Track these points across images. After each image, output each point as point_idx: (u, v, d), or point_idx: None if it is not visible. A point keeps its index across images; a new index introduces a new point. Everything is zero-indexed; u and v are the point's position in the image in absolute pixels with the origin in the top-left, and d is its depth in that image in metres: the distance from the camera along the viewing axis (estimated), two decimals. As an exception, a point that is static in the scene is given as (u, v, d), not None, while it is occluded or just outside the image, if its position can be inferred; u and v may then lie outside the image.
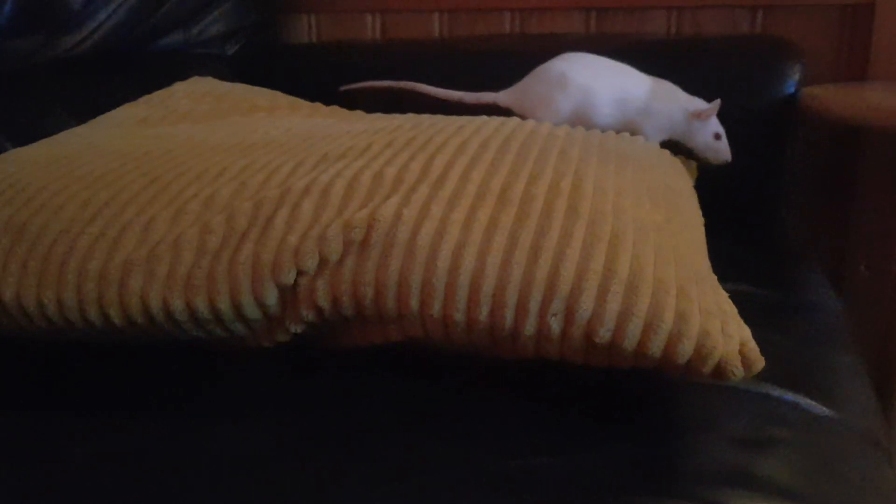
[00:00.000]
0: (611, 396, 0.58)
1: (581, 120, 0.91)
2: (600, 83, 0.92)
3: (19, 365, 0.65)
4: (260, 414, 0.58)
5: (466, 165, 0.63)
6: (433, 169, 0.63)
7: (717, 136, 0.92)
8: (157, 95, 0.96)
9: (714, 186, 0.86)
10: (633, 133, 0.90)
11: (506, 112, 0.93)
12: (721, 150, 0.93)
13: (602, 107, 0.92)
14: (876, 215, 1.20)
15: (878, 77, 1.14)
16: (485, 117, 0.79)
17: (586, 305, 0.52)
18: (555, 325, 0.53)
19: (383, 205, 0.58)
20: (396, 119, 0.80)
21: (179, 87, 0.98)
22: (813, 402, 0.61)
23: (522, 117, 0.85)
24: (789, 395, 0.61)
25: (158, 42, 1.11)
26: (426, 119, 0.78)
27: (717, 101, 0.90)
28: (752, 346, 0.51)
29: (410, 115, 0.82)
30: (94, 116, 0.92)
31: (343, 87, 1.02)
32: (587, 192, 0.60)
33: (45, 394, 0.62)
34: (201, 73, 1.11)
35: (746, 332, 0.52)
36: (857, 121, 1.06)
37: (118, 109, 0.91)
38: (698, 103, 0.92)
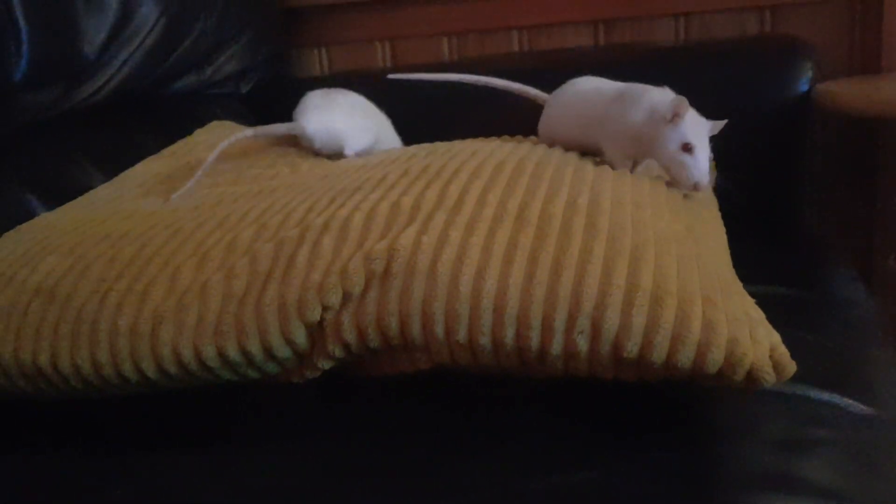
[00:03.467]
0: (644, 405, 0.58)
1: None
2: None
3: (54, 405, 0.66)
4: (294, 444, 0.58)
5: (482, 189, 0.63)
6: (449, 195, 0.63)
7: (687, 148, 0.69)
8: (179, 148, 0.97)
9: (735, 188, 0.86)
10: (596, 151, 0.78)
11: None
12: (689, 168, 0.69)
13: None
14: (901, 207, 1.19)
15: (892, 68, 1.13)
16: (498, 141, 0.80)
17: (612, 321, 0.52)
18: (582, 342, 0.53)
19: (402, 234, 0.59)
20: (411, 148, 0.81)
21: (200, 138, 1.00)
22: (851, 401, 0.60)
23: None
24: (826, 395, 0.60)
25: (174, 85, 1.13)
26: (440, 146, 0.79)
27: (682, 98, 0.69)
28: (783, 350, 0.51)
29: (425, 144, 0.83)
30: (115, 163, 0.93)
31: (391, 76, 1.01)
32: (605, 206, 0.60)
33: (79, 434, 0.63)
34: (217, 113, 1.12)
35: (776, 336, 0.52)
36: (872, 113, 1.05)
37: (141, 164, 0.92)
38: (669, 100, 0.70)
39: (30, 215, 0.82)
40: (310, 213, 0.65)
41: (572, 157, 0.72)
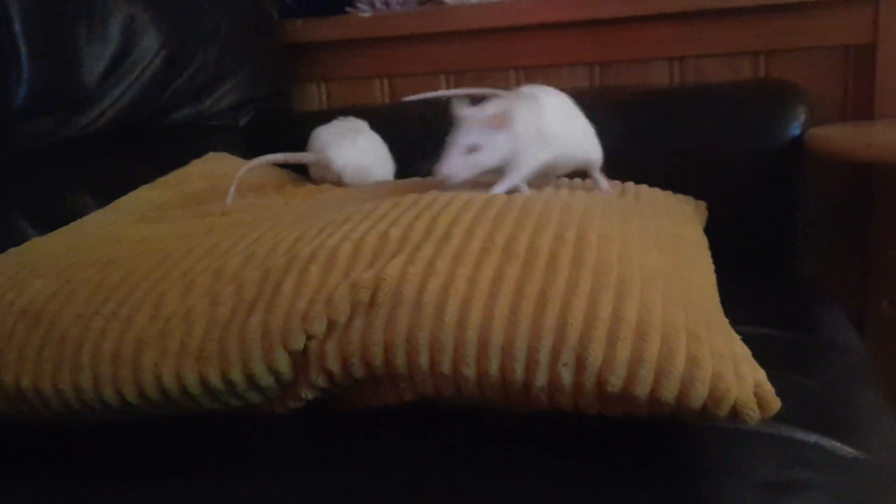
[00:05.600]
0: (630, 443, 0.57)
1: None
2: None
3: (40, 432, 0.66)
4: (279, 475, 0.58)
5: (471, 222, 0.64)
6: (438, 227, 0.63)
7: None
8: (174, 177, 0.98)
9: (728, 230, 0.86)
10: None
11: None
12: None
13: None
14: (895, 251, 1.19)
15: (885, 115, 1.14)
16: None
17: (596, 353, 0.52)
18: (566, 375, 0.53)
19: (389, 264, 0.59)
20: (402, 182, 0.81)
21: (196, 168, 1.00)
22: (839, 444, 0.59)
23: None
24: (814, 437, 0.60)
25: (172, 116, 1.14)
26: (431, 181, 0.79)
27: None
28: (768, 387, 0.51)
29: (416, 178, 0.83)
30: (110, 192, 0.94)
31: (406, 98, 1.01)
32: (592, 241, 0.60)
33: (63, 461, 0.63)
34: (214, 144, 1.13)
35: (761, 373, 0.52)
36: (865, 158, 1.06)
37: (135, 192, 0.93)
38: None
39: (22, 241, 0.83)
40: (298, 242, 0.65)
41: (562, 193, 0.73)
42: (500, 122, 0.75)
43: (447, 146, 0.76)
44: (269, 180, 0.97)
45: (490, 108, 0.76)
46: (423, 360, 0.55)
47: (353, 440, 0.61)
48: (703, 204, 0.92)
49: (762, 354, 0.54)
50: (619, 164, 0.92)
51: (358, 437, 0.61)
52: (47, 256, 0.72)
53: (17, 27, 0.90)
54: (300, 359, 0.58)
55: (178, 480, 0.58)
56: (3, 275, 0.69)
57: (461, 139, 0.75)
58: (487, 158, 0.75)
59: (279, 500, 0.55)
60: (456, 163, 0.75)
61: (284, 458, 0.60)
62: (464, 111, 0.76)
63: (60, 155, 0.98)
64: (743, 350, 0.54)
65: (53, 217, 0.89)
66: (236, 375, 0.57)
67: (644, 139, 1.05)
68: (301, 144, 1.02)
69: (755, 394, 0.50)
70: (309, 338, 0.57)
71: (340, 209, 0.72)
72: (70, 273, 0.67)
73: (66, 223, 0.85)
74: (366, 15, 1.32)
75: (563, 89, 1.24)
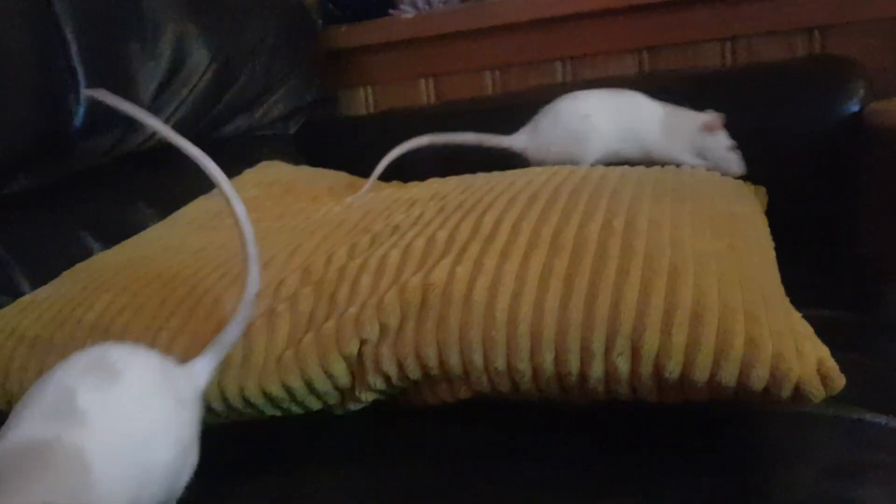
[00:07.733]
0: (692, 430, 0.56)
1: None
2: (617, 126, 0.95)
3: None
4: (342, 469, 0.58)
5: (516, 218, 0.64)
6: (483, 226, 0.64)
7: (730, 148, 0.93)
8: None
9: (787, 211, 0.84)
10: (656, 160, 0.92)
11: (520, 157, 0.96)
12: (735, 161, 0.92)
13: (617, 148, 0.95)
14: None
15: (947, 84, 1.10)
16: (537, 169, 0.80)
17: (651, 340, 0.51)
18: (622, 364, 0.52)
19: (437, 266, 0.59)
20: (450, 183, 0.81)
21: (248, 177, 1.02)
22: (908, 423, 0.58)
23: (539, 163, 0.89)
24: (882, 419, 0.58)
25: (224, 128, 1.16)
26: (479, 179, 0.80)
27: (720, 114, 0.92)
28: (831, 364, 0.50)
29: (465, 177, 0.83)
30: (170, 204, 0.96)
31: (356, 196, 0.88)
32: (641, 228, 0.60)
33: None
34: (266, 154, 1.15)
35: (824, 350, 0.51)
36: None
37: (192, 204, 0.95)
38: (707, 117, 0.93)
39: (88, 254, 0.85)
40: (350, 259, 0.66)
41: (610, 181, 0.72)
42: None
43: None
44: (321, 184, 0.98)
45: None
46: (477, 357, 0.55)
47: (413, 431, 0.62)
48: (762, 189, 0.90)
49: (826, 336, 0.53)
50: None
51: (417, 429, 0.62)
52: (112, 270, 0.74)
53: (74, 49, 0.93)
54: (356, 363, 0.58)
55: (248, 475, 0.59)
56: (72, 290, 0.71)
57: None
58: None
59: (344, 493, 0.56)
60: None
61: (346, 451, 0.61)
62: None
63: (120, 171, 1.01)
64: (804, 328, 0.53)
65: (116, 230, 0.91)
66: (295, 383, 0.58)
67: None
68: (350, 148, 1.03)
69: (818, 371, 0.49)
70: (363, 343, 0.58)
71: (390, 216, 0.73)
72: (136, 287, 0.69)
73: (128, 236, 0.87)
74: (408, 16, 1.32)
75: (613, 76, 1.22)
